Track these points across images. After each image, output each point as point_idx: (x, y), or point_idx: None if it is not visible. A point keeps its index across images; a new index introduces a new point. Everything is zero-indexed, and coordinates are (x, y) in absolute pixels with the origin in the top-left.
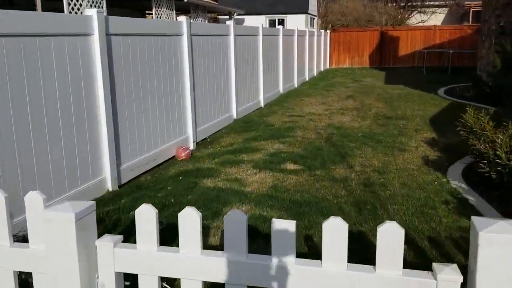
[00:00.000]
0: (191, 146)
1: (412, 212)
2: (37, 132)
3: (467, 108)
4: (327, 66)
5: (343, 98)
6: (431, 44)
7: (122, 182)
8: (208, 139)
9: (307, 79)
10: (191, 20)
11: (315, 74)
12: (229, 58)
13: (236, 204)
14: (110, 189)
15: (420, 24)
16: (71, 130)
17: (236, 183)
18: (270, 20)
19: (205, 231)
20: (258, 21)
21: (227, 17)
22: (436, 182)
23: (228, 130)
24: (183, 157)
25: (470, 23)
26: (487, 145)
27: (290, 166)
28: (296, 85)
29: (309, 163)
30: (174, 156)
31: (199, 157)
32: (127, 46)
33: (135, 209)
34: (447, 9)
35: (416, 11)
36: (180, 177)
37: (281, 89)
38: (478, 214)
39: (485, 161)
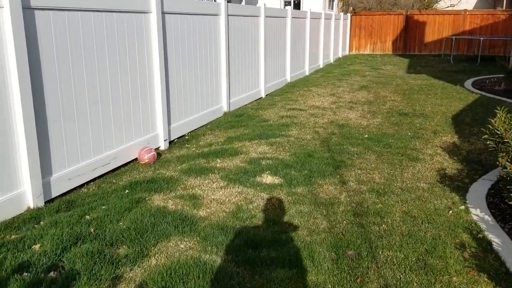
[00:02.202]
0: (162, 145)
1: (411, 265)
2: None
3: (497, 111)
4: (346, 52)
5: (355, 89)
6: (460, 31)
7: (54, 195)
8: (187, 137)
9: (321, 66)
10: None
11: (332, 61)
12: (220, 41)
13: (175, 239)
14: (32, 206)
15: (449, 9)
16: None
17: (191, 203)
18: (285, 2)
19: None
20: (272, 3)
21: None
22: (451, 212)
23: (214, 125)
24: (146, 161)
25: (504, 8)
26: None
27: (268, 178)
28: (307, 73)
29: (291, 175)
30: (137, 159)
31: (165, 160)
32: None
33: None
34: None
35: None
36: (127, 191)
37: (288, 77)
38: (506, 270)
39: None
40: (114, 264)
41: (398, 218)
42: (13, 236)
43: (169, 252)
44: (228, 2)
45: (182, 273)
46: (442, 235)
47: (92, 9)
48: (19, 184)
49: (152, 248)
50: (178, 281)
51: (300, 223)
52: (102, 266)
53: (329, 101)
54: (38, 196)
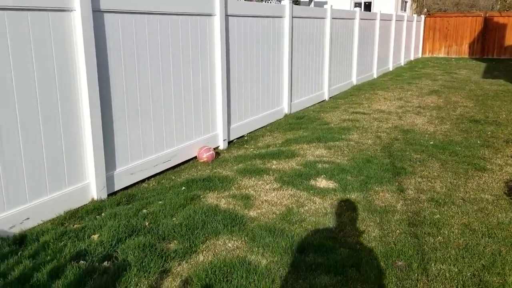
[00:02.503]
0: (221, 145)
1: (465, 280)
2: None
3: None
4: (419, 55)
5: (425, 94)
6: None
7: (117, 188)
8: (246, 137)
9: (390, 69)
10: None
11: (402, 64)
12: (283, 43)
13: (223, 238)
14: (96, 198)
15: None
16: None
17: (243, 203)
18: (356, 3)
19: (159, 279)
20: (341, 4)
21: (307, 0)
22: None
23: (273, 127)
24: (205, 159)
25: None
26: None
27: (322, 182)
28: (375, 76)
29: (347, 180)
30: (196, 157)
31: (223, 160)
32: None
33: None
34: None
35: None
36: (183, 188)
37: (354, 80)
38: None
39: None
40: (164, 258)
41: (456, 230)
42: (75, 225)
43: (216, 250)
44: (295, 3)
45: (227, 272)
46: (503, 251)
47: (159, 12)
48: (85, 177)
49: (201, 245)
50: (222, 279)
51: (351, 229)
52: (152, 259)
53: (395, 105)
54: (102, 188)
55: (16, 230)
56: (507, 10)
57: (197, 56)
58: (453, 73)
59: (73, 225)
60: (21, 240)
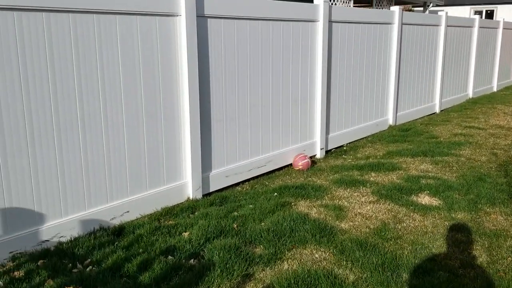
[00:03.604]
0: (318, 153)
1: None
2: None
3: None
4: None
5: None
6: None
7: (212, 190)
8: (345, 147)
9: None
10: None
11: None
12: (391, 51)
13: (310, 247)
14: (191, 197)
15: None
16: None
17: (335, 213)
18: (476, 12)
19: None
20: (459, 13)
21: (421, 8)
22: None
23: (376, 138)
24: (300, 167)
25: None
26: None
27: (424, 199)
28: (495, 89)
29: (454, 198)
30: (291, 164)
31: (319, 169)
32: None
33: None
34: None
35: None
36: (275, 194)
37: (470, 92)
38: None
39: None
40: (248, 261)
41: None
42: (169, 222)
43: (302, 259)
44: (409, 10)
45: (310, 283)
46: None
47: (260, 18)
48: (183, 176)
49: (287, 252)
50: None
51: (454, 252)
52: (236, 262)
53: None
54: (197, 188)
55: (116, 222)
56: None
57: (297, 60)
58: None
59: (167, 221)
60: (119, 231)
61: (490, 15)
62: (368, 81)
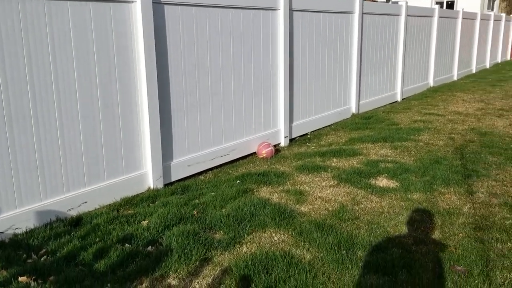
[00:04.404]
0: (282, 142)
1: None
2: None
3: None
4: (507, 57)
5: (510, 96)
6: None
7: (173, 179)
8: (309, 136)
9: (473, 71)
10: None
11: (487, 66)
12: (352, 41)
13: (270, 231)
14: (152, 187)
15: None
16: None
17: (295, 198)
18: (436, 2)
19: (189, 275)
20: (421, 3)
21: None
22: None
23: (339, 126)
24: (264, 155)
25: None
26: None
27: (383, 181)
28: (455, 78)
29: (410, 180)
30: (255, 152)
31: (283, 156)
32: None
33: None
34: None
35: None
36: (238, 181)
37: (431, 81)
38: None
39: None
40: (207, 246)
41: None
42: (128, 211)
43: (261, 242)
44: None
45: (268, 264)
46: None
47: (219, 6)
48: (142, 166)
49: (246, 236)
50: (261, 270)
51: (407, 230)
52: (194, 247)
53: (474, 108)
54: (158, 178)
55: (74, 213)
56: None
57: (259, 50)
58: None
59: (126, 211)
60: (77, 222)
61: (450, 5)
62: (330, 71)
